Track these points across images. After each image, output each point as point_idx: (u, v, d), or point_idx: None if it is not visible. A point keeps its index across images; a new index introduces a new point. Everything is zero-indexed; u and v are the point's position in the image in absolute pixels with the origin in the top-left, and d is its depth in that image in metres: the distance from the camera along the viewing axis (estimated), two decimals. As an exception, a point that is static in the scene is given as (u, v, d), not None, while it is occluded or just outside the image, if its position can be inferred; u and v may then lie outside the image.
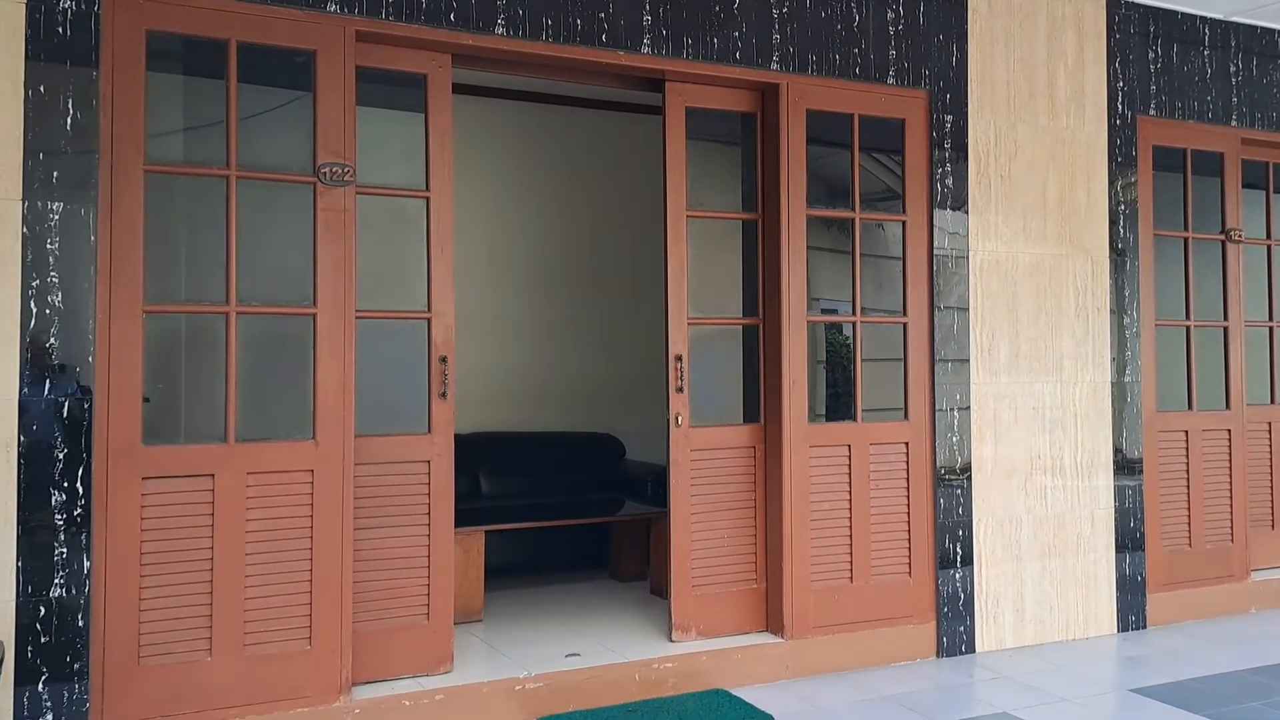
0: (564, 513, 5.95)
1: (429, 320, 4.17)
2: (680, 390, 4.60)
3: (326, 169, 3.91)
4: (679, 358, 4.60)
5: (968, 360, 5.04)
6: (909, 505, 4.92)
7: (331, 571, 3.87)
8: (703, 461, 4.67)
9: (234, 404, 3.76)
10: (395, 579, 4.10)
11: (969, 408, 5.02)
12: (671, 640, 4.57)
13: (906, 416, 4.95)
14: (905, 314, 4.97)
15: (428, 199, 4.19)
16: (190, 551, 3.67)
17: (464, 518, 5.48)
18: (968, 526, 5.00)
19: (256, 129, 3.92)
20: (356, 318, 3.97)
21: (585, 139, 7.01)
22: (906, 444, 4.93)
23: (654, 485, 6.19)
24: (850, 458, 4.81)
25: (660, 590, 5.50)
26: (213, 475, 3.71)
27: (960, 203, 5.06)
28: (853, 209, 4.90)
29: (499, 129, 6.75)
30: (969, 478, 5.01)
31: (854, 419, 4.87)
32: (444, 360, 4.18)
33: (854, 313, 4.90)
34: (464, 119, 6.51)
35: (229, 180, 3.79)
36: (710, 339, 4.89)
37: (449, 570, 4.19)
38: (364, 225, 4.07)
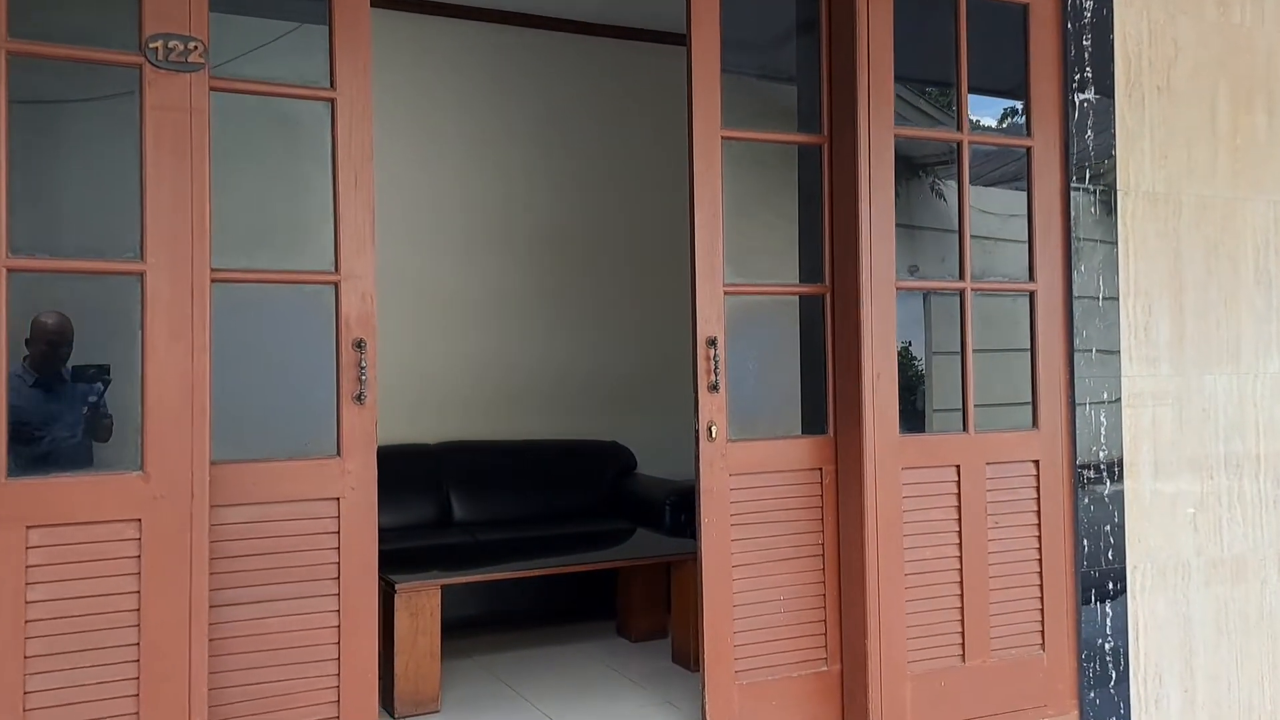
0: (557, 547, 4.57)
1: (336, 285, 2.76)
2: (714, 389, 3.17)
3: (159, 44, 2.49)
4: (711, 342, 3.17)
5: (1117, 345, 3.59)
6: (1040, 550, 3.47)
7: (171, 673, 2.47)
8: (747, 490, 3.24)
9: (4, 417, 2.36)
10: (282, 677, 2.69)
11: (1119, 410, 3.57)
12: (705, 753, 3.15)
13: (1035, 424, 3.50)
14: (1032, 279, 3.52)
15: (333, 101, 2.77)
16: (-70, 655, 2.28)
17: (426, 557, 4.14)
18: (1119, 577, 3.56)
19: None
20: (213, 280, 2.56)
21: (595, 71, 5.55)
22: (1036, 462, 3.48)
23: (674, 509, 4.81)
24: (959, 483, 3.37)
25: (685, 659, 4.06)
26: (-31, 531, 2.31)
27: (1104, 123, 3.60)
28: (959, 129, 3.45)
29: (475, 56, 5.30)
30: (1120, 507, 3.57)
31: (963, 428, 3.43)
32: (360, 345, 2.77)
33: (961, 277, 3.45)
34: (432, 43, 5.18)
35: (-5, 58, 2.39)
36: (756, 315, 3.45)
37: (370, 656, 2.78)
38: (230, 141, 2.66)
